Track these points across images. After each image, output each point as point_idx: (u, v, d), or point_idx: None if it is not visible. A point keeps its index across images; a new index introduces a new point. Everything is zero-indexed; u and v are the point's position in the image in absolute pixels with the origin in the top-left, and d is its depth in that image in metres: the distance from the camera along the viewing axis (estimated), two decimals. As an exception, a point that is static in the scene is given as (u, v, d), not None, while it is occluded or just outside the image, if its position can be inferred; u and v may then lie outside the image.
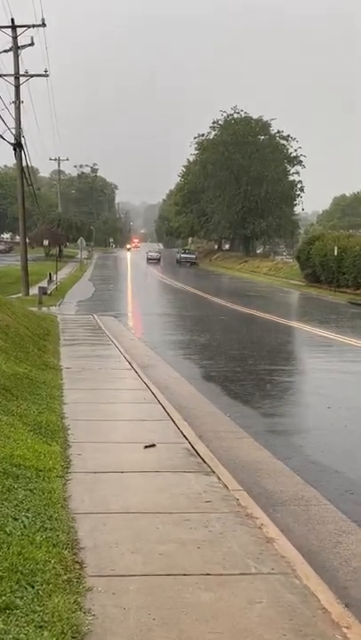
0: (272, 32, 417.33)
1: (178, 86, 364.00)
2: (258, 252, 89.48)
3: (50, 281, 35.77)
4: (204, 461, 6.60)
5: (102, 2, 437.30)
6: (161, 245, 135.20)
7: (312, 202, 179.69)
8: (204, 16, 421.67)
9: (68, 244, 79.85)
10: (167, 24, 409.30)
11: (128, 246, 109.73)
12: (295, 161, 75.95)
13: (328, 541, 5.22)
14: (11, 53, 31.14)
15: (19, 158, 31.55)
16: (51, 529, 4.49)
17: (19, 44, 31.03)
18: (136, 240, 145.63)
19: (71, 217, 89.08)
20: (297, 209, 79.51)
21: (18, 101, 31.28)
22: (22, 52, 31.32)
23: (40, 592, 3.61)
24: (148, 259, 78.32)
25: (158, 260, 78.37)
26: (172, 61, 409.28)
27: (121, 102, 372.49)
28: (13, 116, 30.90)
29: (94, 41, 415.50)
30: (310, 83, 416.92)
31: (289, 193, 75.80)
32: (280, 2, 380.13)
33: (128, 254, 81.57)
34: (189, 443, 7.27)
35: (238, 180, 74.14)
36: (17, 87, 31.38)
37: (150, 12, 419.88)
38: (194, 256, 77.29)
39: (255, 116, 76.09)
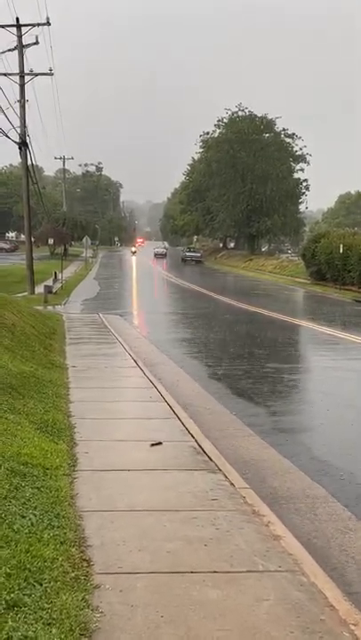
0: (272, 32, 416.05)
1: (178, 86, 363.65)
2: (263, 250, 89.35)
3: (55, 280, 35.79)
4: (211, 459, 6.61)
5: (102, 2, 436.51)
6: (166, 244, 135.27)
7: (317, 200, 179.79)
8: (204, 16, 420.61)
9: (73, 242, 79.93)
10: (167, 24, 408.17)
11: (133, 249, 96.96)
12: (300, 159, 75.83)
13: (335, 539, 5.23)
14: (13, 52, 31.13)
15: (24, 157, 31.50)
16: (58, 527, 4.51)
17: (23, 43, 31.07)
18: (140, 240, 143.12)
19: (76, 216, 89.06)
20: (302, 207, 79.63)
21: (23, 100, 31.23)
22: (26, 51, 31.38)
23: (48, 589, 3.62)
24: (155, 254, 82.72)
25: (164, 255, 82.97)
26: (172, 61, 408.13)
27: (121, 102, 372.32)
28: (18, 114, 30.94)
29: (94, 41, 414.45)
30: (310, 83, 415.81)
31: (294, 191, 75.62)
32: (280, 2, 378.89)
33: (133, 258, 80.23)
34: (195, 441, 7.27)
35: (243, 179, 73.94)
36: (22, 86, 31.34)
37: (150, 11, 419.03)
38: (199, 254, 77.32)
39: (260, 114, 75.98)
